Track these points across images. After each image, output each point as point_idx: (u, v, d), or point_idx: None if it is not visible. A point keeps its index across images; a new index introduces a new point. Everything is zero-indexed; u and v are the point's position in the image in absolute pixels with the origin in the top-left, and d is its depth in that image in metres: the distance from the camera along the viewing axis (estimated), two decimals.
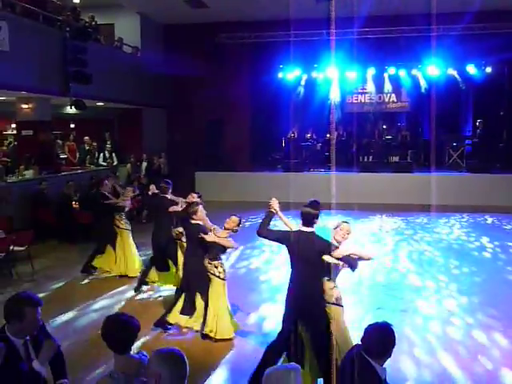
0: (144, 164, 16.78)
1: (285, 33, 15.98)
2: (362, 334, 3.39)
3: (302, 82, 19.44)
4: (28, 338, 3.45)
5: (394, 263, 9.76)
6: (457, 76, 18.52)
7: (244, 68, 17.67)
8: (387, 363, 3.34)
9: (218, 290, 6.19)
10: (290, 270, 5.04)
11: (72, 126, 18.15)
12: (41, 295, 7.89)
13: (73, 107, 13.21)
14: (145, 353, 3.41)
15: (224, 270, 6.27)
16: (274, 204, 5.21)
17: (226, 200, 16.37)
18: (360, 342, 3.42)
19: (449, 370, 5.52)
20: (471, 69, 17.96)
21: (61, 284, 8.56)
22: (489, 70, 17.81)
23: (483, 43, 15.96)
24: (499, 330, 6.50)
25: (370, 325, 3.50)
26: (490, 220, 14.01)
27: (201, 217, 6.42)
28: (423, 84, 18.95)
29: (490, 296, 7.86)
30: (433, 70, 17.80)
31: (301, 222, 4.93)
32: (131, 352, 3.34)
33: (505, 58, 17.08)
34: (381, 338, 3.35)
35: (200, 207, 6.44)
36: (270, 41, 16.82)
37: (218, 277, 6.19)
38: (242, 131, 18.38)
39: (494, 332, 6.47)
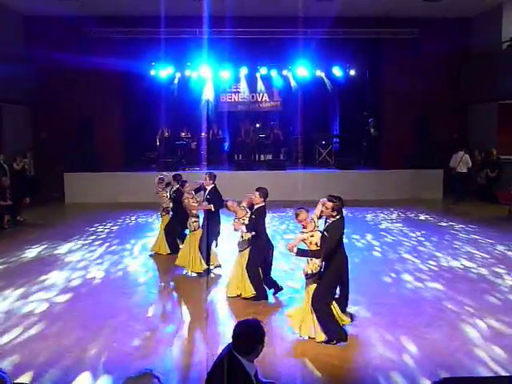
0: (5, 165, 15.47)
1: (156, 29, 15.65)
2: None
3: (176, 81, 19.27)
4: None
5: None
6: (324, 77, 19.44)
7: (114, 65, 16.91)
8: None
9: None
10: None
11: None
12: None
13: None
14: (3, 369, 3.18)
15: None
16: None
17: (97, 202, 15.75)
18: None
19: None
20: (336, 71, 18.91)
21: None
22: (352, 72, 18.85)
23: (346, 47, 16.94)
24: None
25: (238, 322, 3.52)
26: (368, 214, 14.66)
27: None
28: (294, 84, 19.65)
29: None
30: (302, 71, 18.48)
31: None
32: None
33: (365, 61, 18.28)
34: (247, 334, 3.38)
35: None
36: (140, 37, 16.30)
37: None
38: (114, 130, 17.75)
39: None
